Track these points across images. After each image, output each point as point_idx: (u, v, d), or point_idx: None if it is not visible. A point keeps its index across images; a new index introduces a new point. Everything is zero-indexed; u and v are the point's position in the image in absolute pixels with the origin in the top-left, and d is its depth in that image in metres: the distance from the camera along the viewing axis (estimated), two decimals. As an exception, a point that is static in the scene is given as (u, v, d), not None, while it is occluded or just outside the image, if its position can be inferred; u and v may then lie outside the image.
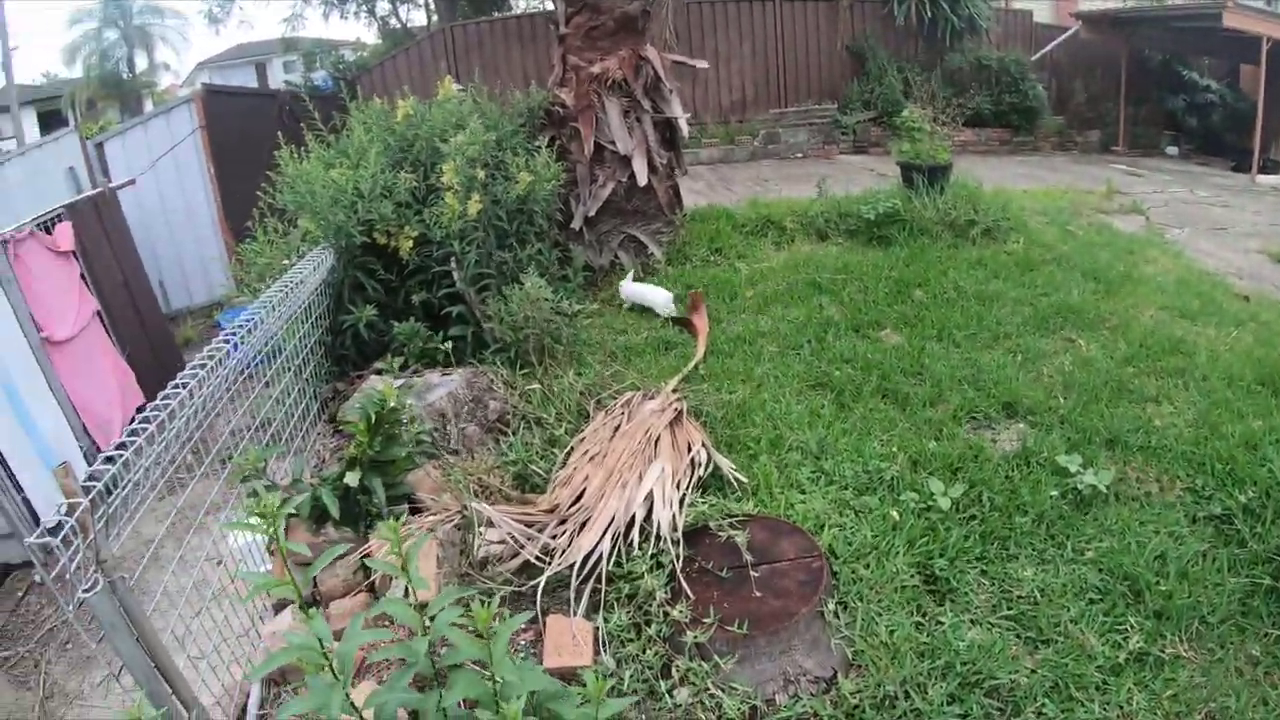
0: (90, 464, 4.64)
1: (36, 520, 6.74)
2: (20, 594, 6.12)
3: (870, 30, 15.12)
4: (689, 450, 4.62)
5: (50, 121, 31.83)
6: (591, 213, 8.21)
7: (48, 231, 8.14)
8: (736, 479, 4.43)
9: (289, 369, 5.41)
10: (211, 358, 4.19)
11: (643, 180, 7.98)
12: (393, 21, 20.93)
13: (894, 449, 4.67)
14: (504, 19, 15.57)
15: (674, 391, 5.55)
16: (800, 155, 13.46)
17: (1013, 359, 5.70)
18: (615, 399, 5.52)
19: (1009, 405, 5.10)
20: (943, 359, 5.75)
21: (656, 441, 4.66)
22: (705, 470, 4.47)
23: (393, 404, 4.43)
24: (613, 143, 8.03)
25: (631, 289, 7.59)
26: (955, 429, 4.84)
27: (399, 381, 5.75)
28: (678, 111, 8.29)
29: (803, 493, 4.33)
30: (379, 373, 6.29)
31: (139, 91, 31.08)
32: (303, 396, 5.63)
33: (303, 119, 7.32)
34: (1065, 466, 4.16)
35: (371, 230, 6.37)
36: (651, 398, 5.37)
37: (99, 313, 8.70)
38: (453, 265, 6.40)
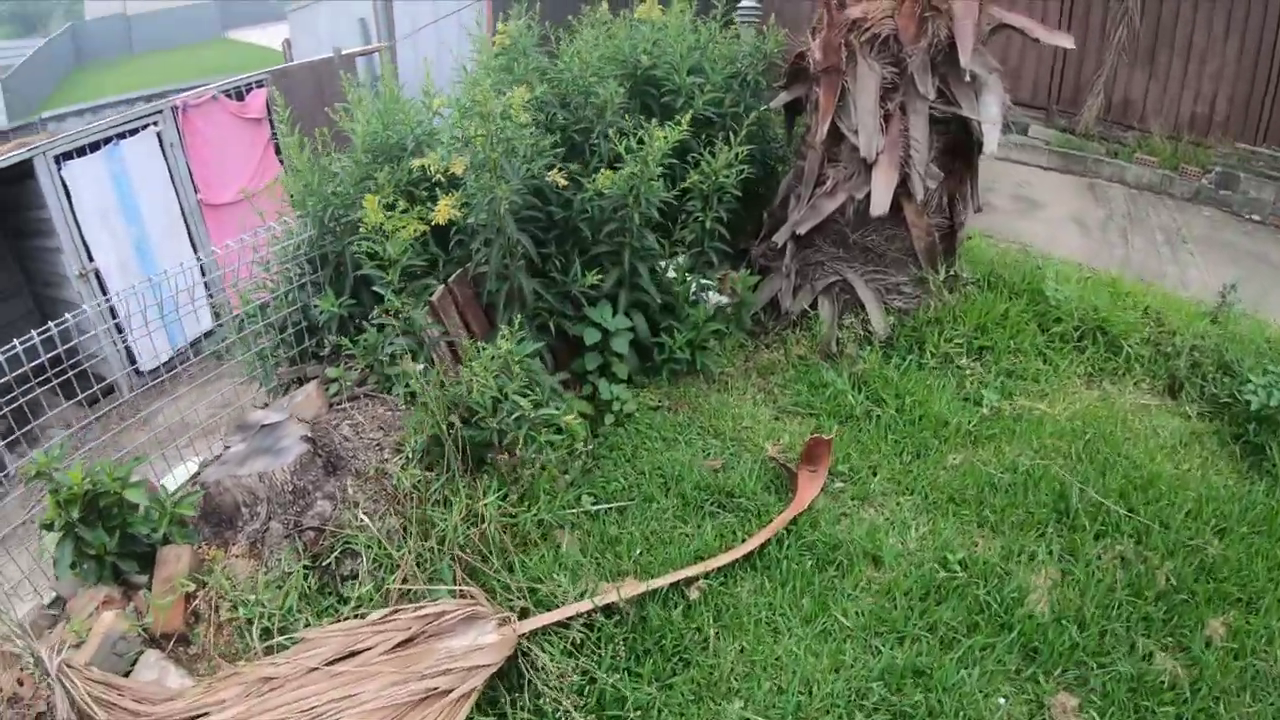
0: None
1: (138, 371, 6.54)
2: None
3: None
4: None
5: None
6: (801, 230, 5.26)
7: (240, 98, 7.68)
8: None
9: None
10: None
11: (879, 207, 4.80)
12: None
13: None
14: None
15: (549, 628, 2.95)
16: (1257, 219, 8.29)
17: None
18: (433, 603, 3.11)
19: None
20: None
21: None
22: None
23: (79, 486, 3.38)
24: (855, 131, 4.91)
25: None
26: None
27: (274, 418, 4.22)
28: (987, 111, 4.82)
29: None
30: (327, 382, 4.51)
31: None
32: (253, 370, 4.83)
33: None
34: None
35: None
36: (496, 626, 2.83)
37: (288, 179, 8.21)
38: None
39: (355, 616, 3.24)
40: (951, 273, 5.32)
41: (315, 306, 4.54)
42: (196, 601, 3.38)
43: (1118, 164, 9.31)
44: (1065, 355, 5.17)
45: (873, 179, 4.85)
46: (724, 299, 5.17)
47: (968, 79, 4.64)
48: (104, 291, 6.95)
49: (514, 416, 3.91)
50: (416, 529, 3.67)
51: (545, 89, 4.75)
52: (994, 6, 4.78)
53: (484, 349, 4.04)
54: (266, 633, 3.23)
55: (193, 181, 7.49)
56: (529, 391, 4.11)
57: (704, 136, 5.09)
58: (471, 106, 4.02)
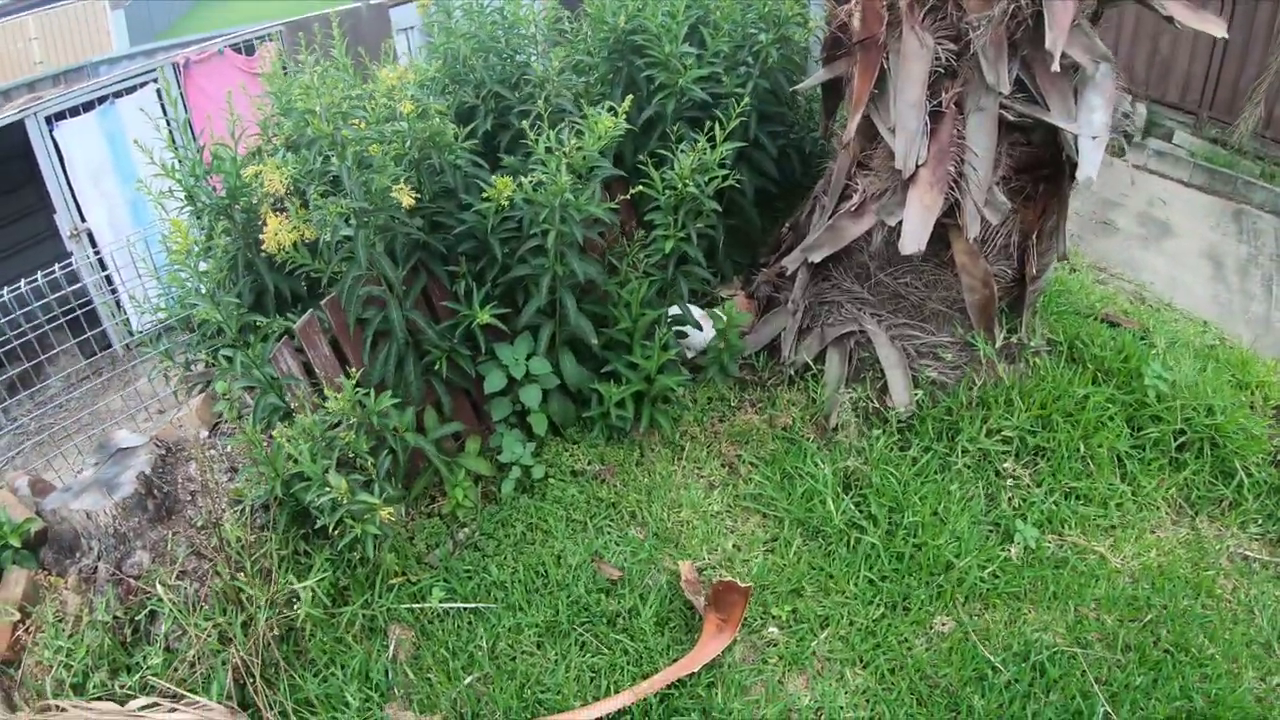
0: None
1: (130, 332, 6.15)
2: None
3: None
4: None
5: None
6: (815, 257, 3.75)
7: (250, 52, 6.88)
8: None
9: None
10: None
11: (911, 243, 3.23)
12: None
13: None
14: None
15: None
16: None
17: None
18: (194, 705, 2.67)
19: None
20: None
21: None
22: None
23: None
24: (893, 130, 3.32)
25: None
26: None
27: (131, 442, 3.47)
28: (1088, 118, 3.14)
29: None
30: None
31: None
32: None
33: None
34: None
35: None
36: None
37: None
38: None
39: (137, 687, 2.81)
40: (1014, 339, 3.70)
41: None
42: (19, 632, 2.99)
43: (1272, 190, 7.12)
44: (1154, 471, 3.51)
45: (907, 202, 3.28)
46: (706, 337, 3.78)
47: (1056, 68, 2.96)
48: (96, 251, 6.30)
49: (325, 498, 2.71)
50: (226, 602, 2.92)
51: (479, 60, 3.41)
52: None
53: (330, 396, 2.85)
54: (60, 683, 2.80)
55: (195, 141, 6.77)
56: (366, 459, 2.89)
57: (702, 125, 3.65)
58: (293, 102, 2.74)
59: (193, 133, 6.59)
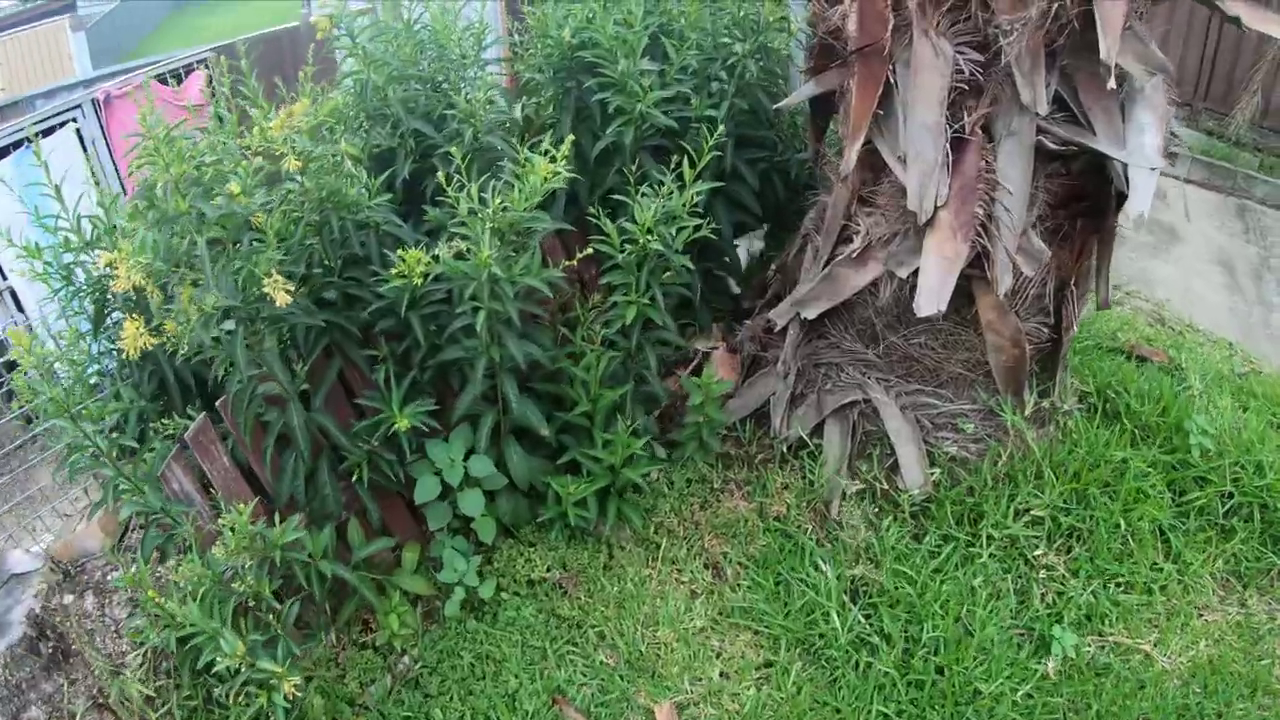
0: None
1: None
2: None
3: None
4: None
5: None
6: (809, 312, 3.12)
7: (178, 81, 6.09)
8: None
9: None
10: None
11: (929, 304, 2.62)
12: None
13: None
14: None
15: None
16: None
17: None
18: None
19: None
20: None
21: None
22: None
23: None
24: (903, 160, 2.70)
25: None
26: None
27: (25, 566, 2.85)
28: (1139, 141, 2.55)
29: None
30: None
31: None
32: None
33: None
34: None
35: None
36: None
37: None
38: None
39: None
40: (1046, 402, 3.10)
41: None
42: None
43: (1273, 183, 6.62)
44: (1201, 544, 3.00)
45: (924, 252, 2.67)
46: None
47: (1112, 84, 2.35)
48: (21, 312, 5.45)
49: (223, 665, 2.08)
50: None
51: (395, 91, 2.73)
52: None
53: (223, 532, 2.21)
54: None
55: (121, 183, 5.81)
56: (270, 606, 2.27)
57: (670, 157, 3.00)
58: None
59: (119, 173, 5.75)
